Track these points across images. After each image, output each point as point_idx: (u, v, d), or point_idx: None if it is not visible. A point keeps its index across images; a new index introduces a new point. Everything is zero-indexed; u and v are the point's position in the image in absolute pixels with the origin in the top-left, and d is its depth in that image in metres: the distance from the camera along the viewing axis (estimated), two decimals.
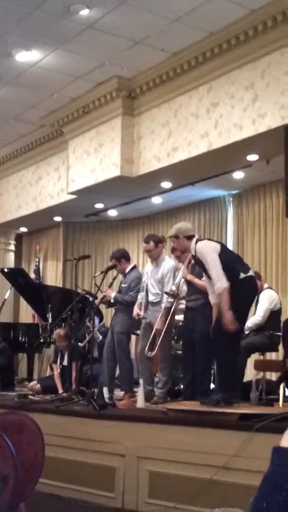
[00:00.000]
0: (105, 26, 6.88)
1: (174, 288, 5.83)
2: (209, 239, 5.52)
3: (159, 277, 6.19)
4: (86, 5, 6.48)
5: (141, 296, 6.27)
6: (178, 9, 6.55)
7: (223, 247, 5.26)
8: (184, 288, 6.04)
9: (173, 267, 6.21)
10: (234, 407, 4.90)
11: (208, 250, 5.04)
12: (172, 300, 6.05)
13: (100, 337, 7.51)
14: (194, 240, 5.22)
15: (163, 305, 6.06)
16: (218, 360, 5.34)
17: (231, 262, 5.07)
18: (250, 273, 5.11)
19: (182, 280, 5.92)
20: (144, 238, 6.77)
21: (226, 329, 4.85)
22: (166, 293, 5.91)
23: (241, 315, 5.11)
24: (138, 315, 6.21)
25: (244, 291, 5.01)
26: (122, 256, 6.57)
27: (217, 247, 5.10)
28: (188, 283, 5.87)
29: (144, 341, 6.29)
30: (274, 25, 6.53)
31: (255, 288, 5.31)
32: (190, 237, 5.28)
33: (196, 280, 5.68)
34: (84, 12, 6.59)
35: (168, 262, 6.30)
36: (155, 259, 6.35)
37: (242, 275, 5.00)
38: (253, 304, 6.65)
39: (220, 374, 5.34)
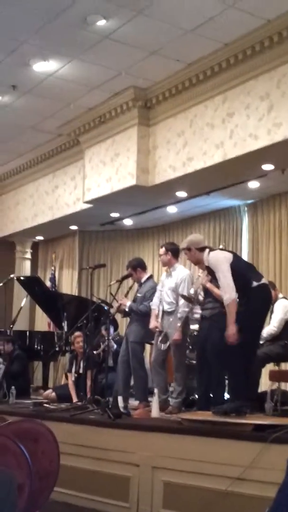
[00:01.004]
0: (122, 36, 6.93)
1: (192, 292, 5.83)
2: (221, 249, 5.52)
3: (173, 286, 6.20)
4: (103, 16, 6.54)
5: (156, 307, 6.24)
6: (194, 20, 6.58)
7: (235, 256, 5.28)
8: (200, 297, 6.04)
9: (187, 276, 6.21)
10: (248, 417, 4.88)
11: (219, 261, 5.07)
12: (186, 309, 6.05)
13: (115, 346, 7.52)
14: (207, 251, 5.26)
15: (178, 315, 6.06)
16: (229, 369, 5.31)
17: (244, 270, 5.09)
18: (263, 281, 5.12)
19: (201, 286, 5.93)
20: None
21: (228, 341, 4.90)
22: (183, 296, 5.90)
23: (256, 323, 5.11)
24: (156, 327, 6.18)
25: (257, 299, 5.02)
26: (138, 265, 6.58)
27: (229, 256, 5.13)
28: (206, 291, 5.87)
29: (157, 350, 6.28)
30: None
31: (269, 296, 5.28)
32: (202, 249, 5.31)
33: (215, 289, 5.67)
34: (101, 22, 6.65)
35: (182, 271, 6.30)
36: (166, 265, 6.37)
37: (254, 283, 5.02)
38: (268, 313, 6.64)
39: (230, 383, 5.32)
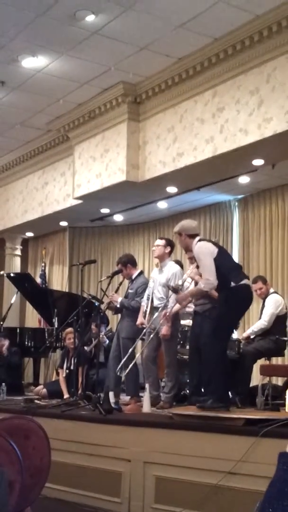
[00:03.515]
0: (111, 32, 6.91)
1: (180, 282, 5.82)
2: (209, 241, 5.47)
3: (163, 282, 6.20)
4: (92, 11, 6.50)
5: (145, 304, 6.26)
6: (183, 15, 6.56)
7: (221, 252, 5.17)
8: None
9: (177, 272, 6.22)
10: (239, 411, 4.89)
11: (203, 252, 5.04)
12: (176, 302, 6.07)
13: (107, 341, 7.51)
14: (197, 239, 5.21)
15: (168, 310, 6.06)
16: (209, 366, 5.28)
17: (225, 269, 5.02)
18: (244, 282, 5.04)
19: (189, 279, 5.94)
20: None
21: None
22: (169, 286, 5.90)
23: (229, 323, 5.13)
24: (142, 324, 6.20)
25: (232, 300, 4.99)
26: (128, 261, 6.58)
27: (214, 250, 5.06)
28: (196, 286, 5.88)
29: (149, 346, 6.29)
30: (278, 30, 6.53)
31: (247, 297, 5.14)
32: (192, 236, 5.26)
33: None
34: (90, 18, 6.62)
35: (173, 267, 6.31)
36: (159, 258, 6.35)
37: (232, 284, 4.97)
38: (259, 310, 6.66)
39: (210, 378, 5.27)
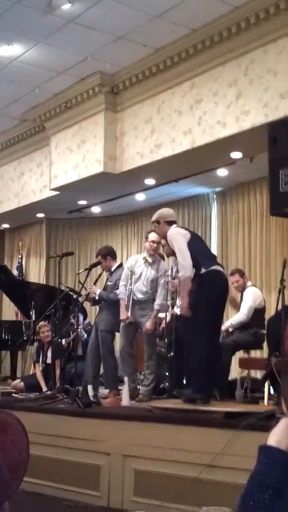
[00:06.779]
0: (88, 21, 6.82)
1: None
2: (182, 227, 5.49)
3: (152, 277, 6.17)
4: None
5: (124, 296, 6.15)
6: (161, 5, 6.51)
7: (193, 237, 5.23)
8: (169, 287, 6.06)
9: (165, 269, 6.25)
10: (218, 404, 4.90)
11: (177, 236, 5.09)
12: (164, 302, 6.11)
13: (85, 335, 7.46)
14: (173, 226, 5.26)
15: (156, 306, 6.06)
16: (189, 355, 5.27)
17: (195, 254, 5.05)
18: (214, 267, 5.09)
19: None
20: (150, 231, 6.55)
21: (182, 313, 5.05)
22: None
23: (210, 311, 5.05)
24: (128, 318, 6.11)
25: (206, 285, 5.02)
26: (108, 254, 6.54)
27: (187, 234, 5.14)
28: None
29: (125, 338, 6.25)
30: (257, 22, 6.52)
31: (220, 281, 5.13)
32: (170, 223, 5.29)
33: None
34: (66, 6, 6.52)
35: (163, 263, 6.35)
36: (154, 253, 6.28)
37: (203, 270, 5.01)
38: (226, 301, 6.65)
39: (193, 369, 5.24)
